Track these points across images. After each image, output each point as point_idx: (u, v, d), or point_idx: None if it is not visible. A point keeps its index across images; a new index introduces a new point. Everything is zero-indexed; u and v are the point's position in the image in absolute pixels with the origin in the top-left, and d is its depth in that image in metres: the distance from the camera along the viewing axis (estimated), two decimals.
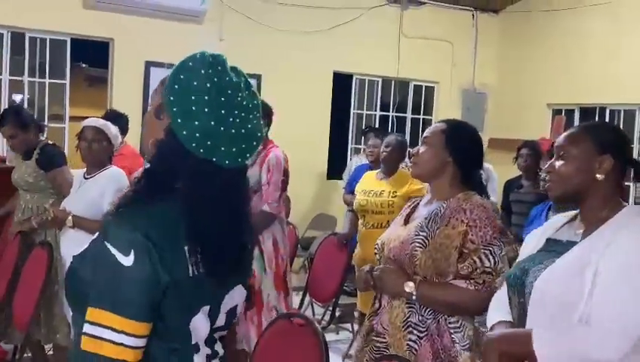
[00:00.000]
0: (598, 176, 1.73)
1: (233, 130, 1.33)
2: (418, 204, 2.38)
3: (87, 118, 3.75)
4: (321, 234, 6.38)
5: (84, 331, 1.25)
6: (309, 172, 7.83)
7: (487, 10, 8.81)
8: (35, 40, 6.47)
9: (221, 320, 1.43)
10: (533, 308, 1.69)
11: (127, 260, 1.24)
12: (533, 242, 1.88)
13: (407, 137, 7.97)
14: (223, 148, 1.33)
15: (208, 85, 1.32)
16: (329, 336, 3.77)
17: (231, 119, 1.33)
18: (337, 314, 4.83)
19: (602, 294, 1.56)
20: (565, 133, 1.83)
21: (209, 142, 1.31)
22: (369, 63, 8.13)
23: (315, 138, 7.81)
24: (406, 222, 2.32)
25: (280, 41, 7.32)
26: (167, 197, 1.31)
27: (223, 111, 1.32)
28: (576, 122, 8.06)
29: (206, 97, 1.31)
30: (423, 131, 8.90)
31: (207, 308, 1.38)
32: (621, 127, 7.60)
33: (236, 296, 1.46)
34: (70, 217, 3.42)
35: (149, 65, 6.73)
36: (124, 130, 4.74)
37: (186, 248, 1.31)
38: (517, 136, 6.75)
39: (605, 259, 1.59)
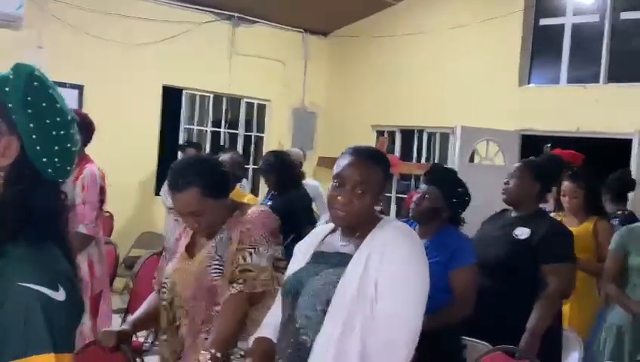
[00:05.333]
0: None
1: (73, 148, 1.26)
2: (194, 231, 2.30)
3: None
4: (146, 253, 6.18)
5: None
6: (136, 188, 7.58)
7: (316, 32, 9.11)
8: None
9: None
10: (329, 317, 1.79)
11: (59, 295, 1.17)
12: (301, 253, 1.98)
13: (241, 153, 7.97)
14: (68, 168, 1.26)
15: (58, 105, 1.23)
16: (152, 358, 3.62)
17: (71, 133, 1.26)
18: None
19: (382, 308, 1.76)
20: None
21: (59, 164, 1.23)
22: (200, 78, 8.05)
23: (142, 153, 7.56)
24: (190, 254, 2.26)
25: (105, 52, 7.04)
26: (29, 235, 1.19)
27: (71, 130, 1.25)
28: (397, 143, 8.55)
29: (58, 118, 1.22)
30: (256, 148, 8.78)
31: None
32: (437, 147, 8.19)
33: None
34: None
35: None
36: None
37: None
38: None
39: (381, 275, 1.78)
